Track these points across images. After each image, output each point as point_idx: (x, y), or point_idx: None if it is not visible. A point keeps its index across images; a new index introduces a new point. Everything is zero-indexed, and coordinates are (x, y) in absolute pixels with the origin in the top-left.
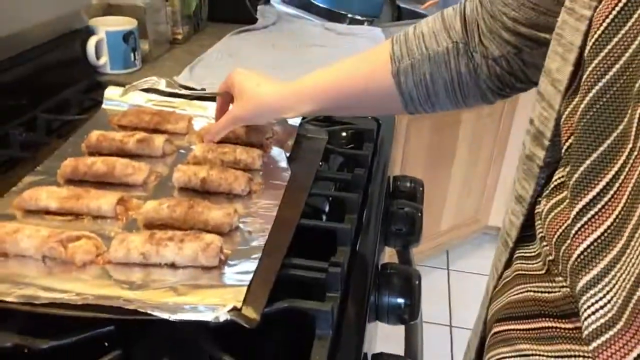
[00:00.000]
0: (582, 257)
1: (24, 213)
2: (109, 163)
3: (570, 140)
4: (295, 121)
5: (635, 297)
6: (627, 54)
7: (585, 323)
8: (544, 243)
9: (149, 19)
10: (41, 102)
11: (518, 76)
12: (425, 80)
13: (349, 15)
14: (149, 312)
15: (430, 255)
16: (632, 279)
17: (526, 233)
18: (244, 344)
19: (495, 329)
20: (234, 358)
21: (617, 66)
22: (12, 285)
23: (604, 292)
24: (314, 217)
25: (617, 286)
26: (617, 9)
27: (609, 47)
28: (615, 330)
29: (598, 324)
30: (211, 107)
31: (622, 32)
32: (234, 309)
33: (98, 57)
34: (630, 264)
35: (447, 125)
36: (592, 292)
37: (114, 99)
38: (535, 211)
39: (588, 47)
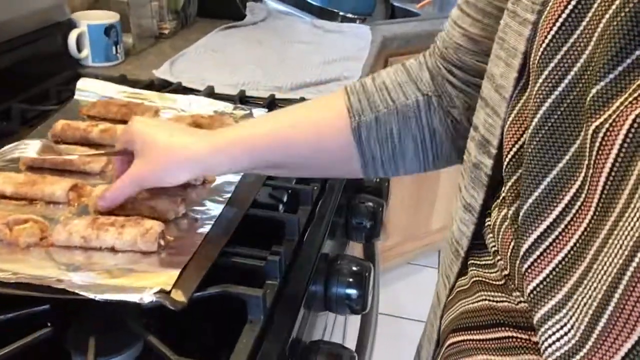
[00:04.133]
0: (537, 290)
1: None
2: (68, 152)
3: (514, 149)
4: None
5: (603, 321)
6: (579, 63)
7: (547, 353)
8: (498, 257)
9: (132, 14)
10: (20, 93)
11: None
12: (392, 137)
13: (341, 13)
14: (76, 291)
15: (421, 254)
16: (595, 303)
17: (479, 241)
18: (177, 328)
19: (451, 340)
20: (158, 339)
21: (570, 76)
22: None
23: (565, 320)
24: (271, 209)
25: (577, 312)
26: (565, 13)
27: (559, 55)
28: (579, 356)
29: (560, 352)
30: (180, 99)
31: (573, 38)
32: (162, 291)
33: (80, 49)
34: (592, 289)
35: None
36: (551, 322)
37: (85, 90)
38: (486, 224)
39: (538, 57)
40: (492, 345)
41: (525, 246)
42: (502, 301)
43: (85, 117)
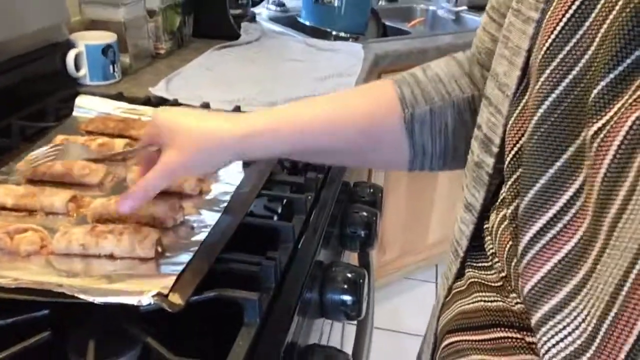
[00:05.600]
0: (535, 289)
1: None
2: (67, 164)
3: (515, 149)
4: None
5: (608, 321)
6: (582, 62)
7: (548, 355)
8: (496, 259)
9: (129, 34)
10: (20, 110)
11: None
12: (446, 131)
13: (334, 33)
14: (75, 295)
15: (418, 269)
16: (603, 305)
17: (477, 243)
18: (175, 333)
19: (447, 341)
20: (157, 341)
21: (572, 75)
22: None
23: (567, 321)
24: (266, 218)
25: (584, 313)
26: (569, 13)
27: (562, 54)
28: (586, 357)
29: (565, 353)
30: None
31: (576, 37)
32: (159, 294)
33: (78, 69)
34: (599, 289)
35: None
36: (551, 323)
37: (84, 106)
38: (485, 226)
39: (541, 55)
40: (488, 346)
41: (524, 242)
42: (497, 301)
43: (84, 132)
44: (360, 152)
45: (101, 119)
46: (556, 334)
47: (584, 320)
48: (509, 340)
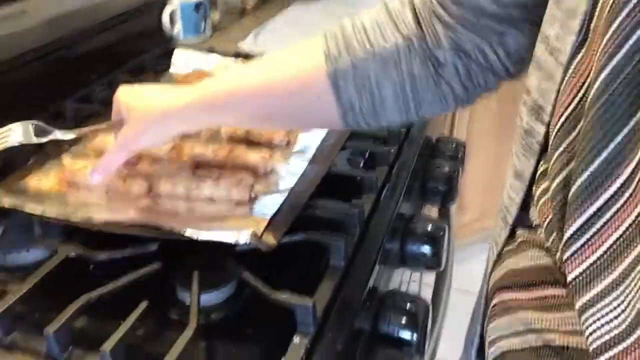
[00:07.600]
0: (580, 278)
1: (98, 153)
2: None
3: (565, 116)
4: None
5: None
6: None
7: (590, 338)
8: (540, 230)
9: None
10: (120, 65)
11: (496, 71)
12: (370, 84)
13: None
14: (181, 232)
15: None
16: None
17: (527, 207)
18: (267, 270)
19: (497, 299)
20: (252, 274)
21: (636, 36)
22: (77, 210)
23: (610, 307)
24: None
25: (627, 301)
26: None
27: (626, 10)
28: (625, 345)
29: (604, 339)
30: None
31: None
32: (254, 234)
33: (172, 25)
34: None
35: (518, 94)
36: (594, 309)
37: (179, 63)
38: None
39: (605, 13)
40: (535, 304)
41: (571, 230)
42: (546, 258)
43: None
44: (295, 114)
45: (196, 74)
46: (599, 318)
47: (625, 309)
48: (555, 298)
